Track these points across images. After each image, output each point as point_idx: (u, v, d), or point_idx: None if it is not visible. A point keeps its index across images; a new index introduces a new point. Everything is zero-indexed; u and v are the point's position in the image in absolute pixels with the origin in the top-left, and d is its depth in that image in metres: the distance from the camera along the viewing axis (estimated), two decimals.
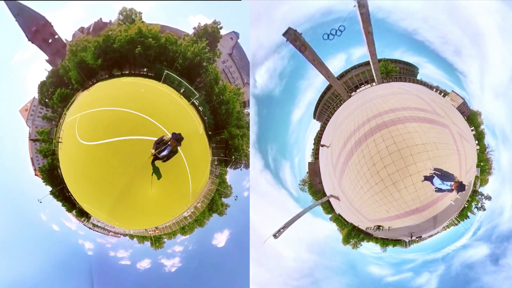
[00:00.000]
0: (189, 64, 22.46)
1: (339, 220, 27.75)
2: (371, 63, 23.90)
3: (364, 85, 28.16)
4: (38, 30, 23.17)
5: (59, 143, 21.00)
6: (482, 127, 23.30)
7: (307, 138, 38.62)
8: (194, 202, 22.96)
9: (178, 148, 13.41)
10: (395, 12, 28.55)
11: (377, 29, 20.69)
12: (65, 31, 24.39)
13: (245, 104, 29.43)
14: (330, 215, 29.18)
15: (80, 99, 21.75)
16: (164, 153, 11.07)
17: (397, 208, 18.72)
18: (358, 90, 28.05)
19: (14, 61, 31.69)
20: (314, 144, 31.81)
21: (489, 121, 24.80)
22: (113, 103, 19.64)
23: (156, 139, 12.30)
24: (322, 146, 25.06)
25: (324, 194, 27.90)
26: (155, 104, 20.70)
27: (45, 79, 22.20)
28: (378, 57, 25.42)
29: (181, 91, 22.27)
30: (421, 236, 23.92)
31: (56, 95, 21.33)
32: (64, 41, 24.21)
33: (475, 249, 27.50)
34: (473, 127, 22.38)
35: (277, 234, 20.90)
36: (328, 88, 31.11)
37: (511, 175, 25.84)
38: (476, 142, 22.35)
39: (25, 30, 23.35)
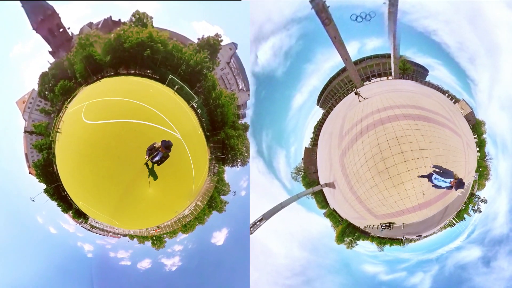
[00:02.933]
0: (191, 71, 23.13)
1: (333, 215, 25.78)
2: (392, 56, 22.83)
3: (376, 77, 26.93)
4: (44, 20, 21.72)
5: (58, 133, 19.92)
6: (484, 135, 23.29)
7: (306, 126, 34.72)
8: (195, 200, 22.69)
9: (187, 147, 15.08)
10: (419, 9, 26.70)
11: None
12: (69, 24, 23.60)
13: (240, 108, 29.62)
14: (324, 210, 27.02)
15: (86, 90, 20.99)
16: (157, 158, 11.71)
17: (435, 191, 15.51)
18: (372, 80, 26.76)
19: (13, 53, 28.97)
20: (313, 133, 29.22)
21: (492, 130, 24.67)
22: (125, 95, 19.48)
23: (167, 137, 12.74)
24: (357, 94, 21.68)
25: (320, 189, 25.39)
26: (163, 102, 21.02)
27: (47, 70, 21.29)
28: (385, 53, 25.49)
29: (175, 88, 22.68)
30: (421, 235, 22.87)
31: (58, 87, 20.60)
32: (70, 34, 23.50)
33: (468, 251, 27.41)
34: (476, 135, 22.24)
35: (251, 229, 18.71)
36: (338, 74, 29.01)
37: (507, 183, 26.13)
38: (477, 149, 22.04)
39: (31, 18, 21.76)
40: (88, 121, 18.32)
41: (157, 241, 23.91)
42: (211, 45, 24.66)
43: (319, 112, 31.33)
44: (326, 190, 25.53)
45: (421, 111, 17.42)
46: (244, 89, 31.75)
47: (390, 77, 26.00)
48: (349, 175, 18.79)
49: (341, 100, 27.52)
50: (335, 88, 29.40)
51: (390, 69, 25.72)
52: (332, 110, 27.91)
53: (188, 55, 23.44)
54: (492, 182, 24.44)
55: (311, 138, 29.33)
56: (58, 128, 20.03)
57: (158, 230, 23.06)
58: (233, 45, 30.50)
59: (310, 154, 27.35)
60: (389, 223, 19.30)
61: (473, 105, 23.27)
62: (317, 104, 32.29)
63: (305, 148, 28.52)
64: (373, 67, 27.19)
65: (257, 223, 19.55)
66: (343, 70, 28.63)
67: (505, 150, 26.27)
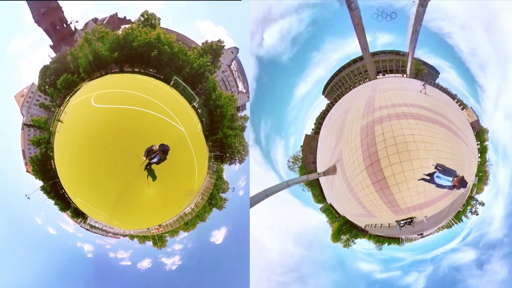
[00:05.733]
0: (194, 73, 23.33)
1: (329, 211, 24.33)
2: (409, 57, 22.23)
3: (388, 73, 25.50)
4: (47, 12, 20.45)
5: (59, 122, 18.94)
6: (486, 142, 22.87)
7: (308, 117, 31.77)
8: (196, 197, 22.51)
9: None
10: (436, 10, 24.30)
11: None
12: (70, 19, 21.99)
13: (239, 109, 28.91)
14: (320, 205, 25.54)
15: (92, 84, 20.21)
16: (154, 160, 11.39)
17: None
18: (387, 75, 25.35)
19: (10, 48, 25.68)
20: (315, 124, 27.15)
21: (494, 137, 24.19)
22: (134, 90, 19.08)
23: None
24: (424, 86, 19.67)
25: (317, 182, 23.66)
26: (169, 100, 20.88)
27: (49, 64, 20.15)
28: (399, 50, 24.24)
29: (171, 83, 22.63)
30: (422, 233, 21.97)
31: (61, 81, 19.67)
32: (73, 29, 21.99)
33: (463, 253, 26.82)
34: (478, 142, 21.85)
35: None
36: (349, 64, 27.31)
37: (505, 190, 25.76)
38: (479, 155, 21.62)
39: (34, 11, 20.07)
40: (97, 105, 17.61)
41: (159, 240, 23.51)
42: (214, 50, 25.30)
43: (322, 104, 29.35)
44: (323, 182, 23.60)
45: (447, 122, 16.33)
46: (244, 91, 31.38)
47: (404, 75, 24.95)
48: (380, 145, 14.06)
49: (351, 89, 25.71)
50: (344, 78, 27.59)
51: (403, 66, 25.06)
52: (338, 101, 26.23)
53: (192, 58, 23.90)
54: (490, 187, 24.30)
55: (312, 130, 26.99)
56: (60, 118, 19.04)
57: (160, 229, 22.49)
58: (235, 49, 30.53)
59: (310, 142, 24.90)
60: (411, 218, 15.87)
61: (478, 111, 22.86)
62: (323, 93, 30.26)
63: (306, 135, 25.91)
64: (386, 62, 25.55)
65: None
66: (354, 61, 27.37)
67: (505, 158, 25.80)
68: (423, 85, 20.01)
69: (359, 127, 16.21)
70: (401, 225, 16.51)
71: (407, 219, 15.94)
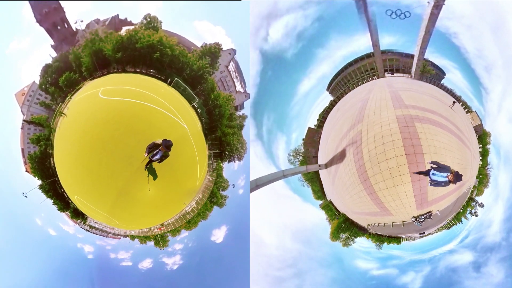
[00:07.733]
0: (193, 75, 23.85)
1: (329, 208, 23.49)
2: (415, 58, 21.71)
3: (394, 72, 25.04)
4: (49, 12, 19.97)
5: (62, 115, 18.57)
6: (488, 146, 22.27)
7: (311, 114, 31.18)
8: (197, 195, 22.50)
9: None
10: (444, 9, 21.74)
11: (416, 21, 17.62)
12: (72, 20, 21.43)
13: (237, 108, 29.22)
14: (320, 202, 24.97)
15: (95, 82, 20.05)
16: (157, 157, 11.09)
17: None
18: (395, 74, 24.81)
19: (9, 50, 24.38)
20: (318, 120, 26.31)
21: (496, 140, 23.51)
22: (139, 88, 19.21)
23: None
24: (454, 103, 19.35)
25: (317, 177, 22.85)
26: (171, 100, 21.13)
27: (51, 62, 19.79)
28: (402, 51, 23.97)
29: (168, 81, 22.99)
30: (424, 232, 21.24)
31: (63, 78, 19.36)
32: (74, 29, 21.48)
33: (461, 255, 26.40)
34: (480, 145, 21.33)
35: None
36: (356, 61, 26.65)
37: (505, 194, 25.26)
38: (480, 157, 21.08)
39: (36, 10, 19.47)
40: (104, 97, 17.53)
41: (161, 239, 23.20)
42: (212, 52, 26.11)
43: (325, 101, 28.81)
44: (324, 177, 22.83)
45: (459, 132, 16.18)
46: (242, 91, 31.64)
47: (412, 76, 24.34)
48: (424, 141, 13.77)
49: (359, 85, 25.23)
50: (350, 75, 27.06)
51: (409, 67, 24.60)
52: (343, 96, 25.61)
53: (192, 61, 24.56)
54: (491, 190, 23.73)
55: (315, 125, 26.30)
56: (62, 113, 18.71)
57: (162, 229, 22.21)
58: (232, 51, 31.01)
59: (313, 135, 24.15)
60: (429, 212, 15.38)
61: (482, 113, 22.35)
62: (327, 89, 29.66)
63: (309, 127, 25.20)
64: (393, 62, 25.11)
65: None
66: (361, 58, 27.03)
67: (507, 161, 25.27)
68: (453, 102, 20.00)
69: (392, 115, 15.43)
70: (420, 220, 15.81)
71: (426, 213, 15.47)
